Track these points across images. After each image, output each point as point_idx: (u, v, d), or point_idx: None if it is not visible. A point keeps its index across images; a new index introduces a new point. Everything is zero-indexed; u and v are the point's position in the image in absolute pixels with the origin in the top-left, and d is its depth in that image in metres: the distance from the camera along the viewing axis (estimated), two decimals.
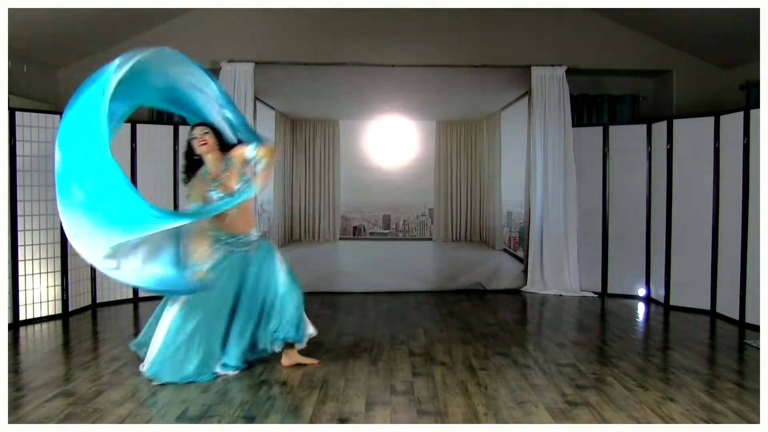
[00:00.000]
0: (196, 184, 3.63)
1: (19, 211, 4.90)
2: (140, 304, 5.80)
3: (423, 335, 4.60)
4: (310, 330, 3.75)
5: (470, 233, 6.60)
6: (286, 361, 3.77)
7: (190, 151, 3.63)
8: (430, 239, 6.61)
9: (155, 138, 5.97)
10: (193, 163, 3.64)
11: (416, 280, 6.46)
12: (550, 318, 5.33)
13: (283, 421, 2.95)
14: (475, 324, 4.97)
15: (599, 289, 6.22)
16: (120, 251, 3.13)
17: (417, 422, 2.95)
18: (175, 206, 6.08)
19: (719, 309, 5.18)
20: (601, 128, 6.21)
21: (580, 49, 6.39)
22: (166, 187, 6.05)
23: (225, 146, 3.62)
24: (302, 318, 3.72)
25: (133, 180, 5.84)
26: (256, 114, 6.26)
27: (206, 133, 3.55)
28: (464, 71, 6.34)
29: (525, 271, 6.45)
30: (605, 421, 2.95)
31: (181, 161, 3.73)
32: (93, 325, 5.00)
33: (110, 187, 3.03)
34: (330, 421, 2.96)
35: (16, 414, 3.02)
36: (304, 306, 3.75)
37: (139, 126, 5.90)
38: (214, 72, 6.21)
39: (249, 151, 3.51)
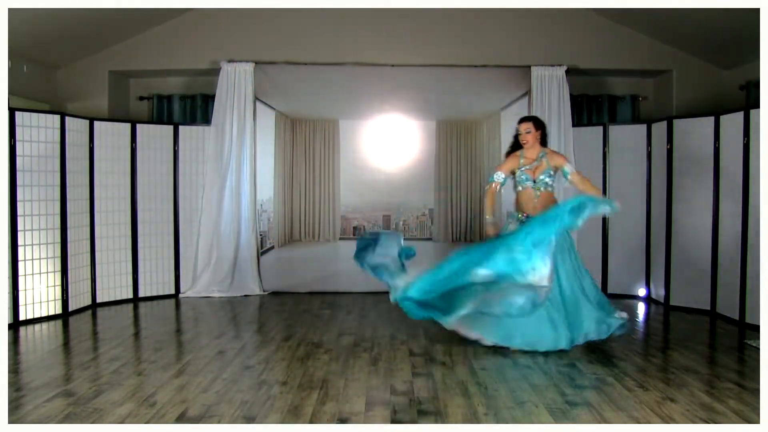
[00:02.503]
0: (510, 160, 4.37)
1: (19, 211, 4.90)
2: (140, 304, 5.80)
3: (423, 335, 4.60)
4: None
5: (470, 233, 6.60)
6: None
7: (516, 137, 4.39)
8: (430, 239, 6.61)
9: (155, 138, 5.98)
10: (515, 146, 4.39)
11: None
12: None
13: (283, 421, 2.95)
14: None
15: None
16: None
17: (417, 422, 2.95)
18: (175, 205, 6.09)
19: (719, 309, 5.18)
20: (601, 128, 6.21)
21: (580, 49, 6.38)
22: (166, 186, 6.05)
23: (544, 142, 4.35)
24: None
25: (133, 180, 5.85)
26: (256, 114, 6.26)
27: (528, 132, 4.26)
28: (464, 71, 6.34)
29: None
30: (605, 421, 2.95)
31: (511, 141, 4.52)
32: (93, 325, 5.00)
33: None
34: (330, 421, 2.96)
35: (16, 414, 3.02)
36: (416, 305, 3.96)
37: (139, 126, 5.91)
38: (214, 72, 6.28)
39: (567, 167, 4.25)
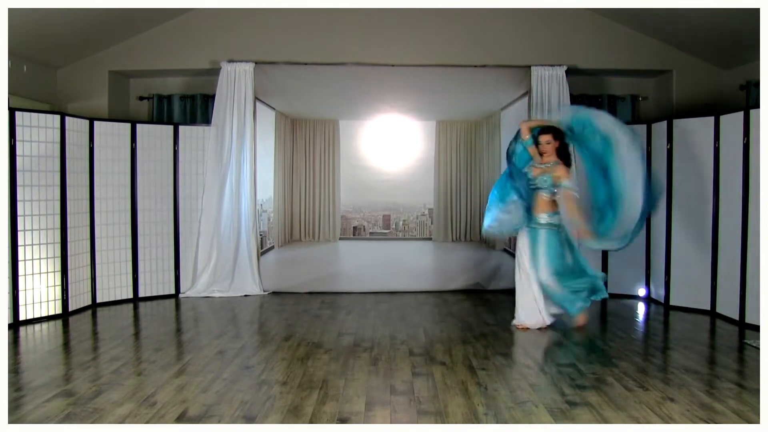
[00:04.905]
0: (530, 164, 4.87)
1: (19, 211, 4.90)
2: (140, 304, 5.80)
3: (423, 335, 4.60)
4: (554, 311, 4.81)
5: (470, 233, 6.60)
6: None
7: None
8: (430, 239, 6.61)
9: (155, 138, 5.98)
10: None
11: (416, 280, 6.46)
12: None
13: (283, 421, 2.95)
14: (475, 324, 4.97)
15: None
16: None
17: (417, 422, 2.95)
18: (175, 205, 6.09)
19: (719, 309, 5.18)
20: None
21: (580, 49, 6.39)
22: (166, 186, 6.05)
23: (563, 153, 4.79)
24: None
25: (133, 180, 5.85)
26: (256, 114, 6.26)
27: (548, 143, 4.73)
28: (464, 71, 6.34)
29: None
30: (605, 421, 2.95)
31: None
32: (93, 325, 5.00)
33: None
34: (330, 421, 2.96)
35: (16, 414, 3.02)
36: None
37: (139, 126, 5.91)
38: (214, 72, 6.28)
39: (565, 182, 4.68)
